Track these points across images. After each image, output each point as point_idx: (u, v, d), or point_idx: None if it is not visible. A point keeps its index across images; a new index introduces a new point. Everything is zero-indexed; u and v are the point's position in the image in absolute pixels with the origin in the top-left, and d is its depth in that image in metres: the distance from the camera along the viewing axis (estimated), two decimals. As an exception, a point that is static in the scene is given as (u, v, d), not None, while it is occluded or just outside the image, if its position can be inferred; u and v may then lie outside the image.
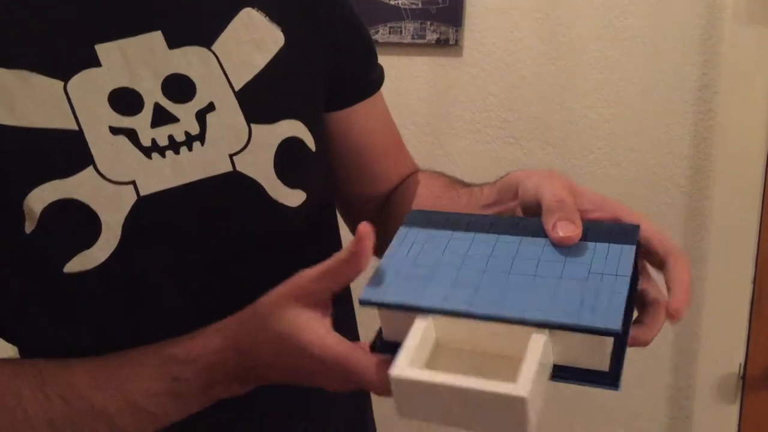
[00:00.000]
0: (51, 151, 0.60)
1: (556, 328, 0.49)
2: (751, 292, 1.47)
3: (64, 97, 0.61)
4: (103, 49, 0.63)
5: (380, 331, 0.56)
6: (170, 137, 0.64)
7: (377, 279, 0.55)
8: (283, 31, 0.71)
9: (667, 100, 1.49)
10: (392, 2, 1.67)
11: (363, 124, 0.81)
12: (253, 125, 0.67)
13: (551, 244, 0.54)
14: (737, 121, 1.43)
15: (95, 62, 0.62)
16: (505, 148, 1.62)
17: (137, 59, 0.64)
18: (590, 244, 0.54)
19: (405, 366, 0.50)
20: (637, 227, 0.55)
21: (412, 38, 1.66)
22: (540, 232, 0.56)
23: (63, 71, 0.61)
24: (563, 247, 0.54)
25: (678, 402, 1.56)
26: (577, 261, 0.53)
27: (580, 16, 1.53)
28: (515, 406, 0.46)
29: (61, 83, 0.61)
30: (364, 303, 0.54)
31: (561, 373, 0.51)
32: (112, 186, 0.61)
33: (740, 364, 1.49)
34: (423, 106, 1.69)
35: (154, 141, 0.63)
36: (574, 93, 1.55)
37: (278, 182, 0.68)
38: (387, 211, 0.84)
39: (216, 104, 0.66)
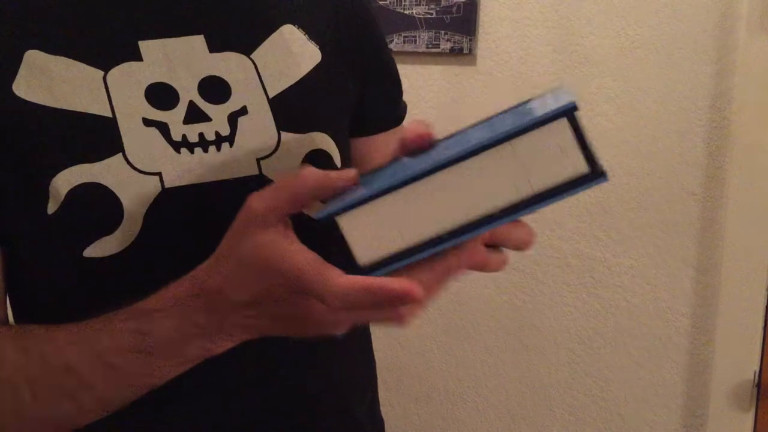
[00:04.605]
0: (83, 135, 0.62)
1: (515, 135, 0.46)
2: (766, 299, 1.47)
3: (102, 85, 0.63)
4: (146, 46, 0.65)
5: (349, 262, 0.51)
6: (201, 135, 0.65)
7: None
8: (320, 49, 0.73)
9: (681, 108, 1.49)
10: (407, 12, 1.68)
11: (382, 154, 0.81)
12: (283, 133, 0.68)
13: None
14: (751, 129, 1.43)
15: (137, 56, 0.65)
16: (518, 156, 1.63)
17: (178, 58, 0.66)
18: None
19: None
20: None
21: (427, 47, 1.68)
22: None
23: (104, 62, 0.64)
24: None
25: (692, 410, 1.56)
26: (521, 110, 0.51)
27: (593, 25, 1.53)
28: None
29: (101, 72, 0.63)
30: (322, 220, 0.50)
31: (549, 194, 0.48)
32: (138, 175, 0.63)
33: (755, 372, 1.49)
34: (437, 114, 1.70)
35: (184, 137, 0.65)
36: (588, 101, 1.56)
37: None
38: None
39: (249, 108, 0.67)
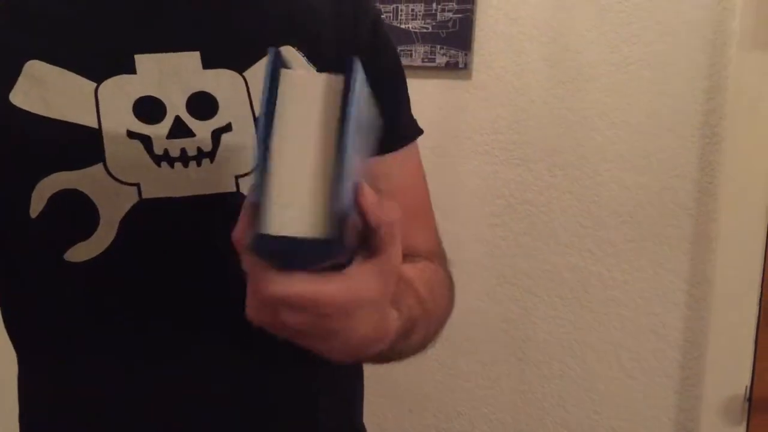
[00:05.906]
0: (68, 144, 0.64)
1: None
2: (757, 314, 1.48)
3: (93, 97, 0.65)
4: (141, 59, 0.67)
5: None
6: (182, 150, 0.66)
7: None
8: (318, 70, 0.72)
9: (673, 123, 1.50)
10: (403, 26, 1.70)
11: (382, 175, 0.75)
12: None
13: None
14: (743, 145, 1.44)
15: (131, 69, 0.66)
16: (513, 170, 1.64)
17: (170, 73, 0.67)
18: None
19: None
20: None
21: (422, 61, 1.69)
22: None
23: (99, 74, 0.66)
24: None
25: (684, 423, 1.57)
26: None
27: (587, 41, 1.55)
28: None
29: (94, 84, 0.65)
30: None
31: None
32: (116, 184, 0.64)
33: (746, 387, 1.49)
34: (432, 128, 1.71)
35: (166, 151, 0.66)
36: (582, 116, 1.57)
37: None
38: None
39: (234, 125, 0.68)
